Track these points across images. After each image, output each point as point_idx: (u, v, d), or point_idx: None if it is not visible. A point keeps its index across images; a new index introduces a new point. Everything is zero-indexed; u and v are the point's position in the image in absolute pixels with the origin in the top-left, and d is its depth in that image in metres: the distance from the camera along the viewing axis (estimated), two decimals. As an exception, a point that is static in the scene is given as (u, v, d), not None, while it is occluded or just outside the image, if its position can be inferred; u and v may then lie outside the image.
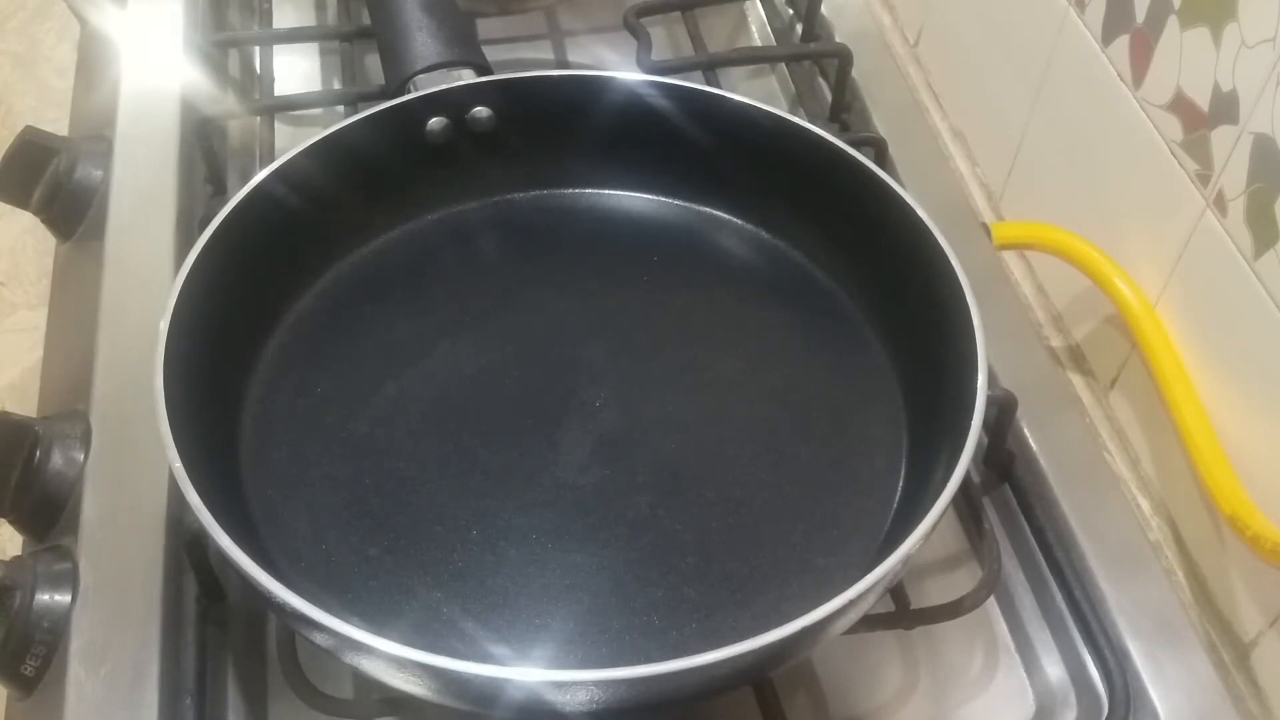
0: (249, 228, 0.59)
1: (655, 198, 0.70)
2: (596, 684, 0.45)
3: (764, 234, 0.68)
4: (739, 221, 0.69)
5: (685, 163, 0.68)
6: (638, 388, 0.62)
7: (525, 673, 0.45)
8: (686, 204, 0.70)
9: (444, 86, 0.66)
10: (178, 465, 0.48)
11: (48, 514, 0.59)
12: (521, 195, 0.70)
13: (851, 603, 0.46)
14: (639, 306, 0.65)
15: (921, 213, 0.59)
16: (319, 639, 0.46)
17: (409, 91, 0.67)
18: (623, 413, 0.60)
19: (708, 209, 0.69)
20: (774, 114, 0.65)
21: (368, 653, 0.45)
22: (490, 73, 0.69)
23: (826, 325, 0.65)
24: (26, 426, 0.60)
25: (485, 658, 0.50)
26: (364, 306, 0.64)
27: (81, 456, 0.60)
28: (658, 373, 0.62)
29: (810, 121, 0.65)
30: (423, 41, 0.69)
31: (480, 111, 0.66)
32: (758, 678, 0.55)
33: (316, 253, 0.65)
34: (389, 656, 0.44)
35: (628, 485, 0.57)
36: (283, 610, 0.46)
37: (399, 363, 0.62)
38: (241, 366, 0.60)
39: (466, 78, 0.67)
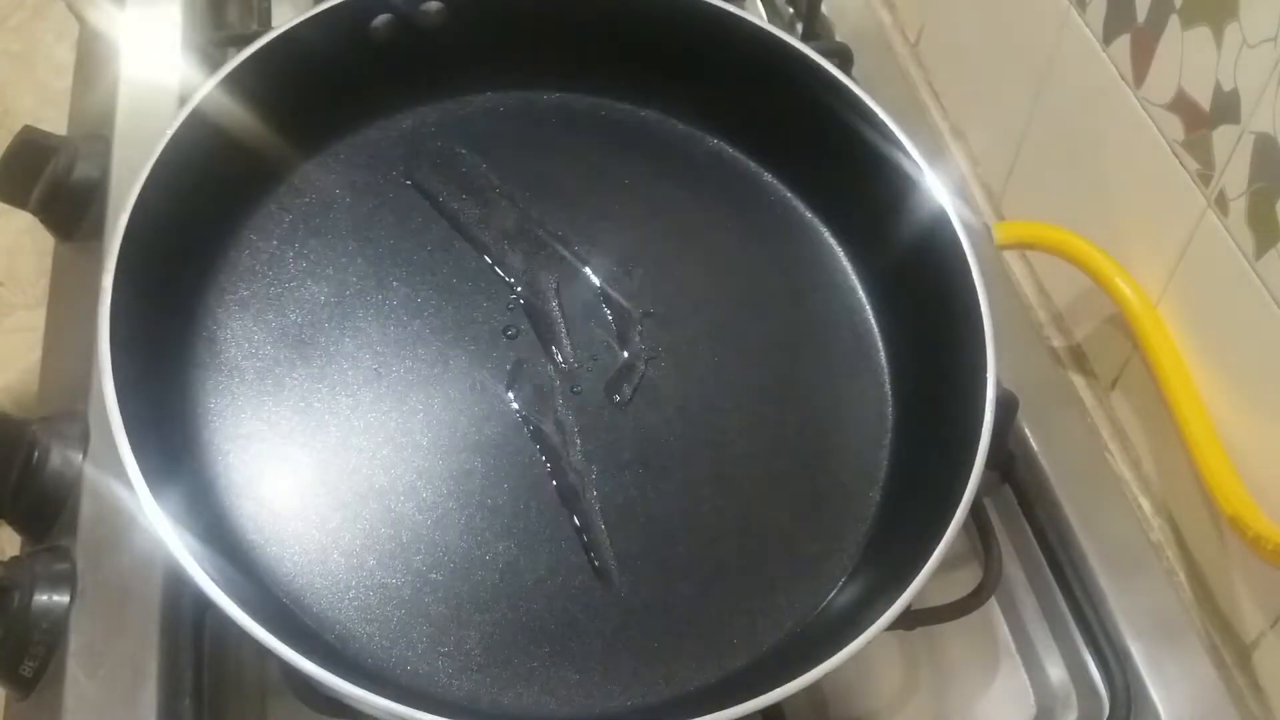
0: (196, 149, 0.56)
1: (630, 107, 0.65)
2: None
3: (739, 155, 0.65)
4: (715, 141, 0.65)
5: (677, 75, 0.64)
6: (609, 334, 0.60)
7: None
8: (665, 116, 0.65)
9: None
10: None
11: (46, 514, 0.59)
12: (478, 97, 0.65)
13: (859, 651, 0.46)
14: (615, 241, 0.62)
15: (956, 223, 0.57)
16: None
17: None
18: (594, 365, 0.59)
19: (689, 126, 0.66)
20: (778, 37, 0.62)
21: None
22: None
23: (819, 295, 0.63)
24: (24, 427, 0.60)
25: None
26: (311, 240, 0.60)
27: (80, 457, 0.59)
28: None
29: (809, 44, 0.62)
30: None
31: (430, 5, 0.62)
32: None
33: (261, 175, 0.61)
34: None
35: (616, 464, 0.57)
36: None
37: (352, 307, 0.59)
38: (184, 325, 0.57)
39: None
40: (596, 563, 0.54)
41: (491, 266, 0.61)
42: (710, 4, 0.63)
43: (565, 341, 0.60)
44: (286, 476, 0.55)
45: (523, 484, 0.56)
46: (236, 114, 0.58)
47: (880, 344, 0.61)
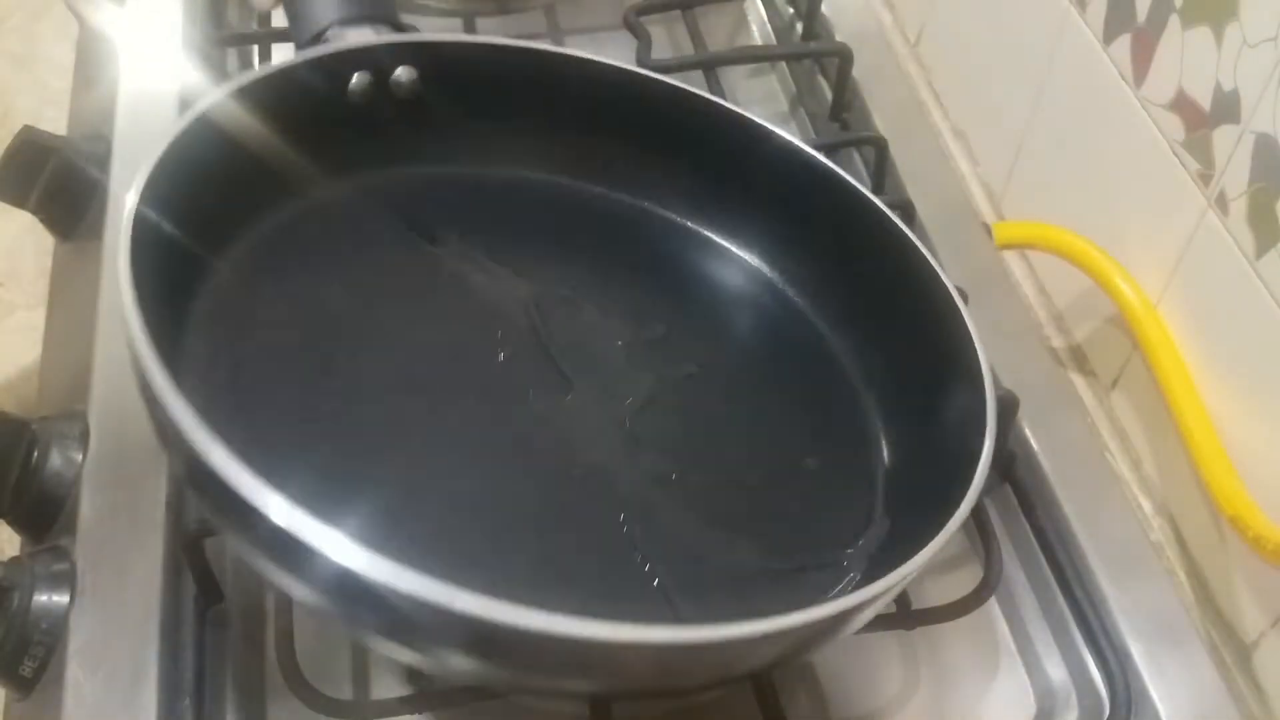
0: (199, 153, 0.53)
1: (600, 190, 0.65)
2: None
3: (713, 236, 0.66)
4: (692, 226, 0.66)
5: (643, 158, 0.63)
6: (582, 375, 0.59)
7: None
8: (636, 200, 0.65)
9: (361, 44, 0.60)
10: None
11: (46, 514, 0.59)
12: (451, 170, 0.64)
13: (864, 604, 0.45)
14: (568, 305, 0.61)
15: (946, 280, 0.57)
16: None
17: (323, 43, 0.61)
18: (576, 399, 0.58)
19: (658, 208, 0.66)
20: (758, 124, 0.62)
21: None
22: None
23: (780, 324, 0.63)
24: (24, 426, 0.60)
25: None
26: (284, 279, 0.58)
27: (80, 457, 0.59)
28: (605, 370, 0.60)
29: (779, 125, 0.63)
30: None
31: (403, 73, 0.61)
32: (750, 674, 0.54)
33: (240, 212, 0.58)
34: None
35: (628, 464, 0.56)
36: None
37: (346, 323, 0.58)
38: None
39: (383, 35, 0.62)
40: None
41: (479, 299, 0.61)
42: (733, 109, 0.63)
43: (561, 366, 0.59)
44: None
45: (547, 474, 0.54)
46: (237, 130, 0.56)
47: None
